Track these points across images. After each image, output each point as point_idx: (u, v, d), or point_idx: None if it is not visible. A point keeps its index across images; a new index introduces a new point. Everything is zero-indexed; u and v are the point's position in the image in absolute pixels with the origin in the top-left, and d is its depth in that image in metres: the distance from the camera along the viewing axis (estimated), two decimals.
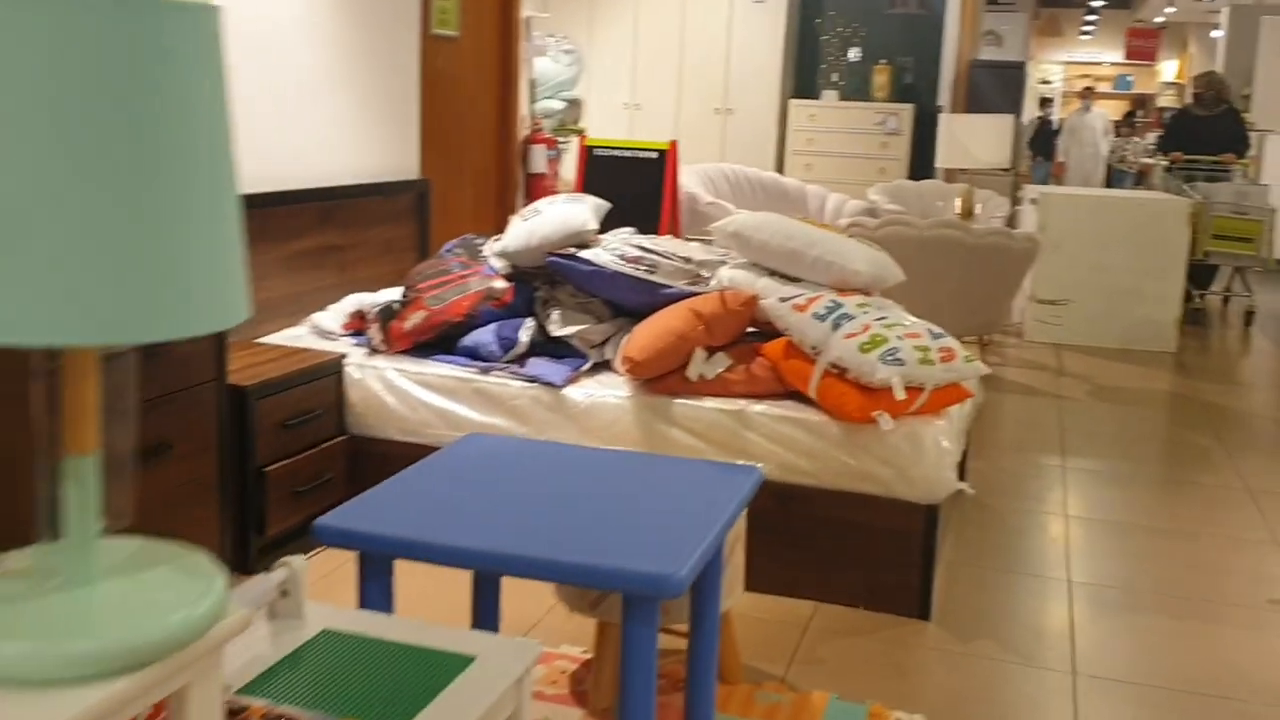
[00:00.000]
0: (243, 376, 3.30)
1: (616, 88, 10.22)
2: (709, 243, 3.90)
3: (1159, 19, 16.98)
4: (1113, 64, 19.01)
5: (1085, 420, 5.37)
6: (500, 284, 3.70)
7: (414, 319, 3.63)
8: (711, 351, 3.37)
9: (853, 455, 3.17)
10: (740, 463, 2.52)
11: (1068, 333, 7.05)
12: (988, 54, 11.24)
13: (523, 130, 6.24)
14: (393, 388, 3.57)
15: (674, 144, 6.51)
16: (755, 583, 3.30)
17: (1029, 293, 7.07)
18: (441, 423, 3.53)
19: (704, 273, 3.53)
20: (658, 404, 3.34)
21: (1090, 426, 5.27)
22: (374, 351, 3.69)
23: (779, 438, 3.23)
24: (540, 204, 3.77)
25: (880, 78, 10.10)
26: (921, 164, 9.96)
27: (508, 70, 6.02)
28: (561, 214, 3.63)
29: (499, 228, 6.20)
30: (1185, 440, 5.14)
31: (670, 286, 3.45)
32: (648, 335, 3.31)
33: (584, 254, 3.52)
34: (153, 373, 2.80)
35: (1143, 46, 17.48)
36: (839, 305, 3.24)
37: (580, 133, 7.91)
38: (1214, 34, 14.78)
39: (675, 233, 6.69)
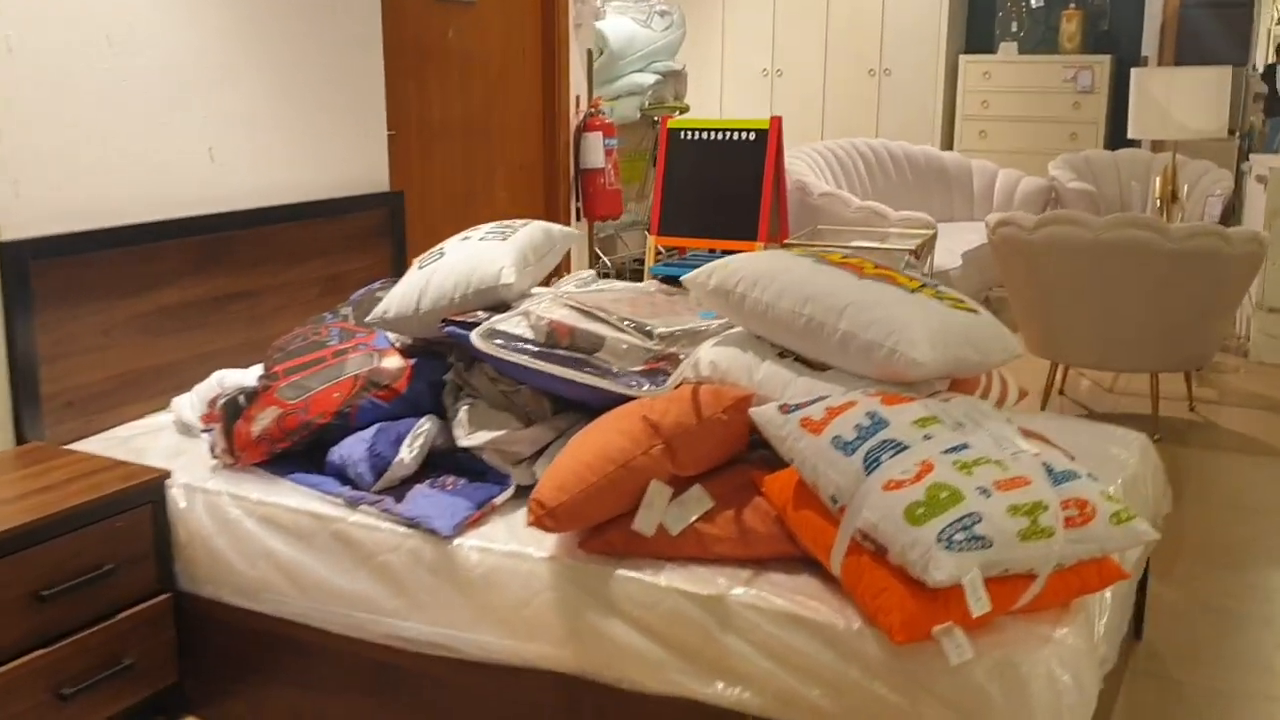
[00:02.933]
0: None
1: (755, 53, 8.80)
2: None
3: None
4: None
5: None
6: (393, 363, 2.45)
7: (263, 419, 2.42)
8: (681, 486, 2.04)
9: (902, 691, 1.79)
10: None
11: None
12: None
13: (577, 115, 4.96)
14: (227, 525, 2.38)
15: (776, 121, 5.12)
16: None
17: (1255, 299, 5.33)
18: (287, 584, 2.31)
19: (673, 352, 2.17)
20: (592, 574, 2.03)
21: None
22: (222, 464, 2.51)
23: (778, 650, 1.87)
24: (449, 243, 2.49)
25: (1070, 25, 8.35)
26: (1122, 127, 8.16)
27: (551, 40, 4.75)
28: (466, 260, 2.35)
29: None
30: None
31: (611, 379, 2.11)
32: (570, 465, 2.00)
33: (490, 323, 2.23)
34: None
35: None
36: (881, 422, 1.84)
37: (682, 110, 6.58)
38: None
39: (780, 235, 5.29)
